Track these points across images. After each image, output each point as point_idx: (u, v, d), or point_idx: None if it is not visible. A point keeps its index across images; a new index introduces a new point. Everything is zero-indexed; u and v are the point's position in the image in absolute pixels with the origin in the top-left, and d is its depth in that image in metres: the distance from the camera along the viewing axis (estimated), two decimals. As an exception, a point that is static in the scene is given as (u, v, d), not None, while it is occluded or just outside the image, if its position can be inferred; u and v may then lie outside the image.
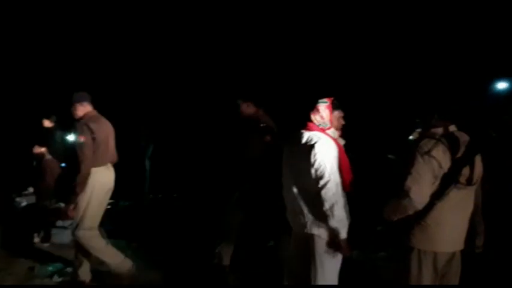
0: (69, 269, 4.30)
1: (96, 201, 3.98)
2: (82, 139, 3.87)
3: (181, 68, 9.41)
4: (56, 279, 4.19)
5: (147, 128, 7.98)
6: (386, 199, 2.55)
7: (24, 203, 5.55)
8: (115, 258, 4.03)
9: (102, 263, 4.53)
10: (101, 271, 4.34)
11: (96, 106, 4.22)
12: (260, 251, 4.58)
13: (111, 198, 5.72)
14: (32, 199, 5.55)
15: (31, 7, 8.46)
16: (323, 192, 2.70)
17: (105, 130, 4.04)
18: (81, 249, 4.07)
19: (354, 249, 2.96)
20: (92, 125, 3.92)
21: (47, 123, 5.33)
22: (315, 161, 2.74)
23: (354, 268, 3.97)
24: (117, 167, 4.44)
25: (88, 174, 3.89)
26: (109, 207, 5.68)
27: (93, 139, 3.89)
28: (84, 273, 4.09)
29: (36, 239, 5.13)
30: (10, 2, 8.28)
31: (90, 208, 3.94)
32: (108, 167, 4.07)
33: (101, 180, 3.97)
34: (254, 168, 4.28)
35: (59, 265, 4.35)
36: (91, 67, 8.84)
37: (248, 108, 4.38)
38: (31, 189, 5.74)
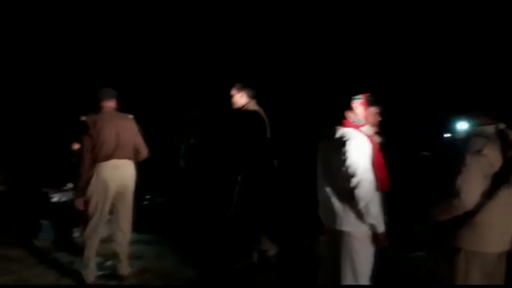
0: (108, 263, 4.42)
1: (97, 197, 4.03)
2: (81, 135, 4.04)
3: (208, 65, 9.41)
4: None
5: (178, 126, 8.06)
6: (429, 199, 2.51)
7: (64, 199, 5.71)
8: (88, 266, 4.11)
9: (139, 257, 4.67)
10: (135, 267, 4.46)
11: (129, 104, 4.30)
12: (295, 250, 4.57)
13: (147, 194, 5.87)
14: (72, 195, 5.70)
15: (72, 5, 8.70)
16: (356, 190, 2.68)
17: (109, 126, 4.06)
18: (119, 244, 4.20)
19: (389, 248, 2.92)
20: (90, 121, 4.05)
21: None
22: (347, 158, 2.72)
23: (388, 267, 3.92)
24: (152, 164, 4.51)
25: (85, 168, 4.00)
26: (146, 203, 5.82)
27: (90, 135, 4.00)
28: (123, 267, 4.20)
29: (76, 234, 5.27)
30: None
31: (91, 203, 4.05)
32: (114, 163, 4.06)
33: (101, 176, 4.02)
34: (244, 160, 4.32)
35: (98, 259, 4.43)
36: (127, 66, 8.98)
37: (241, 99, 4.41)
38: (70, 185, 5.89)
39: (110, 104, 4.20)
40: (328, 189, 2.88)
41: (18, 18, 8.48)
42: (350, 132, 2.81)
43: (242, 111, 4.38)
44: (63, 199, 5.63)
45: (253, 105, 4.41)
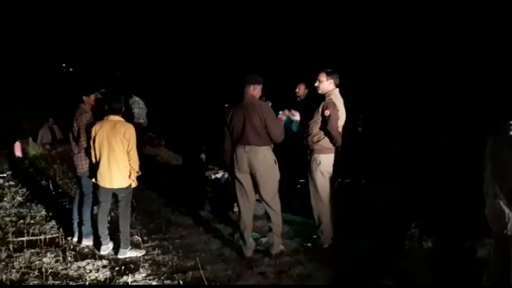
0: (264, 239, 4.70)
1: (234, 177, 4.45)
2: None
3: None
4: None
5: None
6: None
7: (226, 176, 6.20)
8: (246, 241, 4.48)
9: (293, 237, 4.85)
10: (288, 246, 4.65)
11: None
12: (455, 251, 4.29)
13: (302, 178, 6.01)
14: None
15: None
16: None
17: (238, 113, 4.31)
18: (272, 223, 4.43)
19: None
20: (228, 108, 4.44)
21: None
22: (525, 157, 2.48)
23: None
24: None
25: (224, 150, 4.46)
26: (298, 186, 5.99)
27: (225, 122, 4.39)
28: (276, 245, 4.43)
29: (235, 209, 5.70)
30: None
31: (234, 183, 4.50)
32: (243, 148, 4.31)
33: (234, 158, 4.36)
34: None
35: (254, 234, 4.76)
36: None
37: (329, 85, 4.52)
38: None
39: (249, 91, 4.37)
40: (497, 190, 2.71)
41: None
42: None
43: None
44: (226, 176, 6.11)
45: (336, 94, 4.51)
